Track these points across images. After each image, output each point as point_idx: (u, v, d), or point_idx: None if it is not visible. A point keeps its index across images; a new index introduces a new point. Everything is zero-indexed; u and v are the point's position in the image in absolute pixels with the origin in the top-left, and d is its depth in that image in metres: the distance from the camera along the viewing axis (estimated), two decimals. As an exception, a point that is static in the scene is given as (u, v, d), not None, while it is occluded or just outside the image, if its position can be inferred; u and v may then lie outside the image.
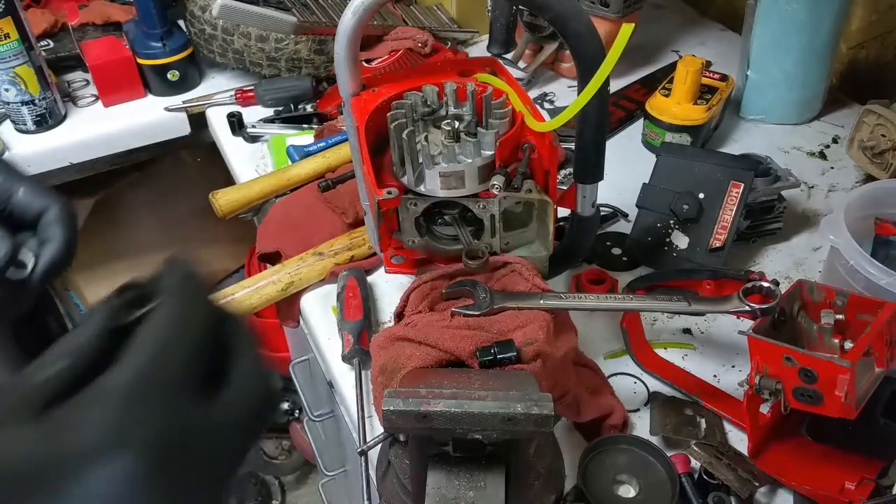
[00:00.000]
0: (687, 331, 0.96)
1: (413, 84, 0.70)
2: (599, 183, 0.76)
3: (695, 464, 0.78)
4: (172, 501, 0.31)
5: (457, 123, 0.65)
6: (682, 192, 1.01)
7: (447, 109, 0.69)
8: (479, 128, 0.66)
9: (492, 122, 0.66)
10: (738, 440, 0.82)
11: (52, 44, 1.54)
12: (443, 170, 0.63)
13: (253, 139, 1.33)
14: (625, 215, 1.12)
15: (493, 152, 0.64)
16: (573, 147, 0.70)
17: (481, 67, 0.73)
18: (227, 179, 1.32)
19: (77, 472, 0.29)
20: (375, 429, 0.85)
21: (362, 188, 0.76)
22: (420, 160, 0.63)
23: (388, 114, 0.65)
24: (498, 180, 0.63)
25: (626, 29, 0.57)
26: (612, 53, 0.57)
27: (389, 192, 0.63)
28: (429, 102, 0.68)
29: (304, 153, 1.20)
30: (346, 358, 0.90)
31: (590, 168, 0.71)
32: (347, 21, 0.65)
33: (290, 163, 1.20)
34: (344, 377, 0.92)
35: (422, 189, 0.65)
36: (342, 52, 0.67)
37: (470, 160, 0.63)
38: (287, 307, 1.05)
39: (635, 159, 1.22)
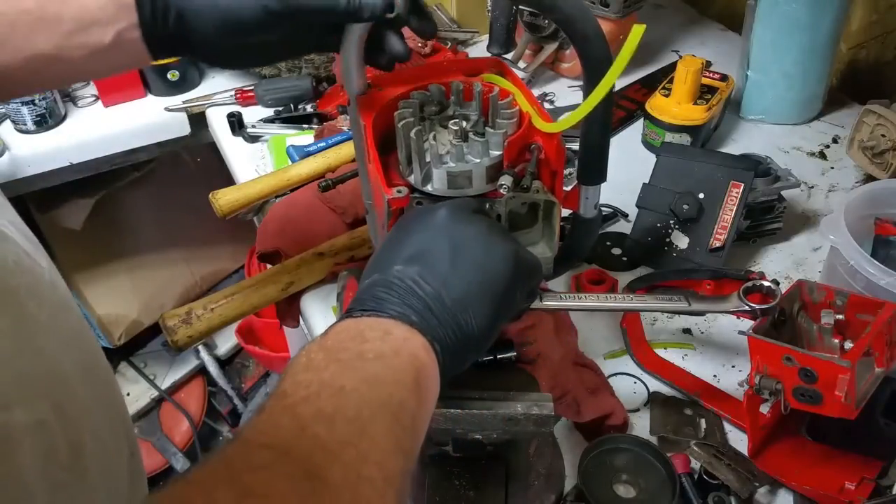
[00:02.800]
0: (687, 331, 0.96)
1: (419, 84, 0.70)
2: (599, 183, 0.76)
3: (695, 464, 0.78)
4: None
5: (465, 123, 0.66)
6: (682, 192, 1.01)
7: (454, 109, 0.69)
8: (487, 128, 0.66)
9: (499, 121, 0.66)
10: (738, 440, 0.82)
11: (52, 44, 1.54)
12: (451, 169, 0.63)
13: (253, 139, 1.33)
14: (625, 215, 1.12)
15: (501, 152, 0.64)
16: (574, 147, 0.70)
17: (487, 68, 0.73)
18: (227, 179, 1.32)
19: None
20: (375, 429, 0.85)
21: (366, 187, 0.76)
22: (427, 159, 0.63)
23: (396, 112, 0.65)
24: (506, 180, 0.63)
25: (638, 30, 0.57)
26: (624, 54, 0.57)
27: (399, 191, 0.63)
28: (436, 102, 0.68)
29: (304, 153, 1.20)
30: (347, 358, 0.90)
31: (593, 170, 0.71)
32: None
33: (289, 163, 1.20)
34: (344, 377, 0.92)
35: (429, 188, 0.65)
36: (351, 50, 0.66)
37: (478, 160, 0.63)
38: (287, 307, 1.05)
39: (635, 159, 1.22)
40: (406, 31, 0.69)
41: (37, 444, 0.35)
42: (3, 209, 0.45)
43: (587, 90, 0.65)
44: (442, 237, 0.55)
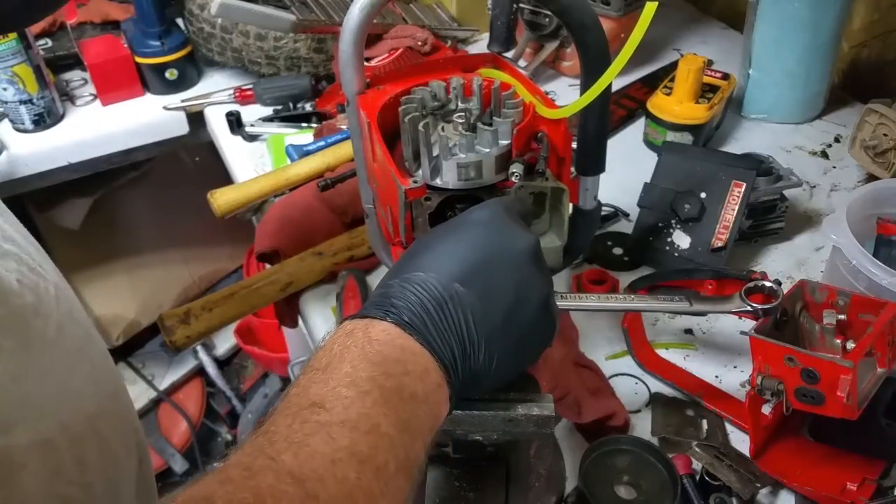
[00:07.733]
0: (688, 331, 0.96)
1: (417, 81, 0.69)
2: (600, 181, 0.76)
3: (696, 465, 0.78)
4: None
5: (471, 115, 0.66)
6: (683, 192, 1.01)
7: (456, 104, 0.69)
8: (494, 117, 0.66)
9: (505, 111, 0.66)
10: (740, 441, 0.82)
11: (50, 42, 1.54)
12: (461, 160, 0.62)
13: (252, 138, 1.33)
14: (626, 215, 1.11)
15: (509, 141, 0.64)
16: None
17: (483, 63, 0.74)
18: (226, 179, 1.31)
19: None
20: (375, 429, 0.84)
21: (366, 191, 0.75)
22: (436, 152, 0.63)
23: (400, 108, 0.65)
24: (517, 168, 0.63)
25: (650, 7, 0.57)
26: (638, 30, 0.57)
27: (415, 181, 0.62)
28: (438, 97, 0.68)
29: (303, 152, 1.20)
30: (346, 358, 0.89)
31: (592, 160, 0.71)
32: (354, 17, 0.65)
33: (288, 162, 1.20)
34: (343, 377, 0.91)
35: (437, 182, 0.64)
36: (348, 50, 0.66)
37: (488, 149, 0.63)
38: (286, 307, 1.05)
39: (637, 158, 1.21)
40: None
41: (43, 463, 0.35)
42: (3, 215, 0.44)
43: (586, 79, 0.65)
44: (504, 270, 0.54)
